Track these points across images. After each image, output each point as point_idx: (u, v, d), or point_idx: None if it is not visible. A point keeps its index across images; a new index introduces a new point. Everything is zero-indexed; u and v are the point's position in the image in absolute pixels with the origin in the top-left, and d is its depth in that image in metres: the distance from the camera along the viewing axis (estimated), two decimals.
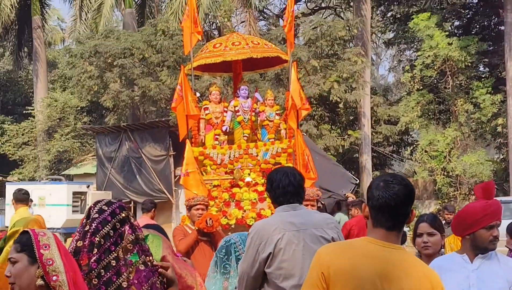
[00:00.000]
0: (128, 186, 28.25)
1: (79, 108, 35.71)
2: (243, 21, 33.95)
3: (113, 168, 28.96)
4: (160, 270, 3.66)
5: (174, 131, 24.92)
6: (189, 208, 8.30)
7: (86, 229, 3.50)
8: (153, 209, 11.21)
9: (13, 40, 42.33)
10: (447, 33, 27.59)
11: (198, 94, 12.49)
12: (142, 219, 10.72)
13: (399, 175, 3.49)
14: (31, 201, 24.57)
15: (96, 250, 3.42)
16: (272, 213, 9.62)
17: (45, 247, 3.10)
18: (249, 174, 10.44)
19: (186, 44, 11.17)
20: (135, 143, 28.11)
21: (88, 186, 28.16)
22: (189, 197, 8.85)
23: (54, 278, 3.01)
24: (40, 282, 3.06)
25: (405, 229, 5.83)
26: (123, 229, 3.55)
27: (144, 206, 11.23)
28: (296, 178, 4.95)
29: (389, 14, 35.59)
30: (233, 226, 9.93)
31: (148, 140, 27.81)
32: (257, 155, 10.60)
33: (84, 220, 3.56)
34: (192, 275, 4.17)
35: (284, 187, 4.87)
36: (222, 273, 4.88)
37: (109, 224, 3.51)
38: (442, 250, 5.37)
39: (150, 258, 3.64)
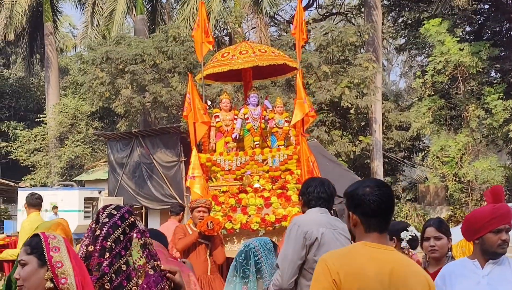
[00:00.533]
0: (140, 192, 28.30)
1: (90, 114, 35.82)
2: (254, 27, 34.03)
3: (124, 174, 29.03)
4: (168, 275, 3.67)
5: (185, 137, 24.93)
6: (192, 210, 8.52)
7: (96, 233, 3.49)
8: (181, 212, 11.32)
9: (25, 46, 42.54)
10: (458, 38, 27.48)
11: (209, 103, 12.58)
12: (170, 222, 10.89)
13: (374, 179, 3.63)
14: (55, 207, 24.79)
15: (108, 254, 3.42)
16: (276, 219, 9.73)
17: (55, 249, 3.11)
18: (258, 181, 10.48)
19: (198, 53, 11.31)
20: (146, 149, 28.17)
21: (99, 192, 28.25)
22: (193, 199, 9.12)
23: (63, 280, 3.01)
24: (49, 284, 3.06)
25: (409, 235, 5.84)
26: (132, 234, 3.55)
27: (172, 209, 11.35)
28: (330, 188, 5.59)
29: (400, 20, 35.53)
30: (237, 231, 10.01)
31: (159, 146, 27.87)
32: (263, 161, 10.64)
33: (93, 225, 3.56)
34: (186, 279, 4.17)
35: (318, 193, 5.50)
36: (242, 277, 4.93)
37: (120, 228, 3.50)
38: (450, 253, 5.38)
39: (159, 263, 3.64)
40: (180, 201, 25.59)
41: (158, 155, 27.91)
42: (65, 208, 26.52)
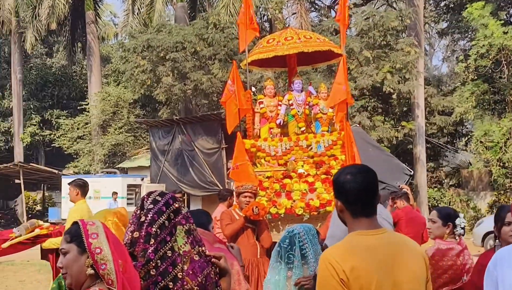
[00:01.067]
0: (181, 179, 28.44)
1: (132, 102, 36.05)
2: (295, 13, 33.87)
3: (166, 161, 29.20)
4: (213, 260, 3.67)
5: (226, 124, 24.99)
6: (238, 195, 8.61)
7: (141, 219, 3.50)
8: (229, 197, 11.35)
9: (67, 35, 42.98)
10: (502, 21, 27.04)
11: (253, 89, 12.59)
12: (219, 208, 10.92)
13: (357, 165, 3.79)
14: (115, 193, 25.07)
15: (153, 240, 3.42)
16: (320, 204, 9.75)
17: (93, 236, 3.12)
18: (302, 166, 10.49)
19: (241, 40, 11.32)
20: (188, 136, 28.28)
21: (142, 179, 28.53)
22: (239, 184, 9.15)
23: (103, 266, 3.03)
24: (90, 271, 3.08)
25: (462, 222, 5.78)
26: (176, 220, 3.55)
27: (220, 195, 11.40)
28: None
29: (442, 4, 35.09)
30: (282, 215, 10.06)
31: (200, 133, 27.95)
32: (307, 147, 10.63)
33: (138, 211, 3.57)
34: (229, 263, 4.14)
35: None
36: (286, 263, 4.90)
37: (164, 214, 3.51)
38: None
39: (203, 248, 3.64)
40: (221, 187, 25.75)
41: (199, 142, 28.00)
42: (108, 195, 26.85)
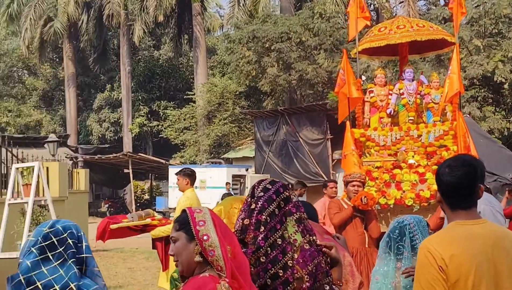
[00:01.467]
0: (286, 169, 28.52)
1: (237, 93, 36.36)
2: (402, 1, 33.26)
3: (270, 152, 29.34)
4: (324, 249, 3.64)
5: (331, 115, 24.85)
6: (346, 184, 8.57)
7: (252, 207, 3.53)
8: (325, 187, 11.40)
9: (174, 27, 43.85)
10: None
11: (363, 78, 12.48)
12: (324, 198, 11.01)
13: (462, 157, 3.72)
14: (228, 183, 25.43)
15: (263, 228, 3.44)
16: (431, 195, 9.57)
17: (201, 223, 3.12)
18: (413, 156, 10.35)
19: (351, 29, 11.27)
20: (292, 127, 28.31)
21: (247, 169, 28.74)
22: (347, 173, 9.11)
23: (211, 253, 3.04)
24: (198, 258, 3.09)
25: None
26: (287, 208, 3.55)
27: (324, 186, 11.50)
28: None
29: None
30: (391, 206, 9.93)
31: (305, 124, 27.93)
32: (418, 137, 10.47)
33: (249, 199, 3.59)
34: (341, 254, 4.08)
35: None
36: (396, 254, 4.80)
37: (274, 202, 3.51)
38: None
39: (314, 237, 3.61)
40: (326, 178, 25.62)
41: (304, 132, 27.99)
42: (213, 185, 27.16)
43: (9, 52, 52.49)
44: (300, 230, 3.54)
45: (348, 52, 11.92)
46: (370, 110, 10.89)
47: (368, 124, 10.84)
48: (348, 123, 10.52)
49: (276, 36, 28.08)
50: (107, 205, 39.93)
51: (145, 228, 9.63)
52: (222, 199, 12.51)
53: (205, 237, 3.05)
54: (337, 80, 10.91)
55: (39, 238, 2.95)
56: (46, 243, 2.93)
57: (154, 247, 9.60)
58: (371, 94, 10.90)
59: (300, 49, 28.84)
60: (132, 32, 41.79)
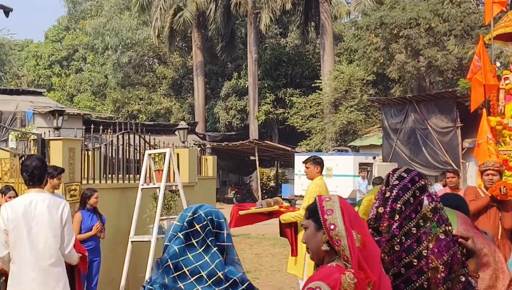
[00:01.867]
0: (414, 158, 28.09)
1: (365, 80, 36.04)
2: None
3: (398, 140, 28.96)
4: (460, 240, 3.55)
5: (461, 102, 24.23)
6: (481, 173, 8.30)
7: (386, 195, 3.49)
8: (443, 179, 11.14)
9: (301, 15, 43.85)
10: None
11: (498, 64, 12.11)
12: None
13: None
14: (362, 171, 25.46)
15: (397, 216, 3.40)
16: None
17: (329, 212, 3.12)
18: None
19: (487, 14, 11.00)
20: (421, 115, 27.83)
21: (374, 158, 28.46)
22: (481, 162, 8.89)
23: (338, 242, 3.03)
24: (325, 247, 3.10)
25: None
26: (422, 197, 3.49)
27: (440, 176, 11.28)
28: None
29: None
30: None
31: (434, 112, 27.38)
32: None
33: (383, 187, 3.56)
34: (491, 252, 3.99)
35: None
36: None
37: (409, 191, 3.47)
38: None
39: (450, 228, 3.53)
40: (456, 169, 25.05)
41: (433, 120, 27.45)
42: (340, 173, 27.08)
43: (140, 41, 54.03)
44: (435, 219, 3.47)
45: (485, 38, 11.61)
46: (505, 98, 10.51)
47: (502, 112, 10.49)
48: (484, 110, 10.21)
49: (405, 22, 27.65)
50: (233, 192, 40.60)
51: (271, 215, 9.78)
52: (373, 184, 12.47)
53: (332, 226, 3.06)
54: (469, 66, 10.64)
55: (184, 223, 2.99)
56: (190, 230, 2.97)
57: (282, 234, 9.70)
58: (507, 81, 10.52)
59: (429, 35, 28.26)
60: (259, 20, 42.09)
